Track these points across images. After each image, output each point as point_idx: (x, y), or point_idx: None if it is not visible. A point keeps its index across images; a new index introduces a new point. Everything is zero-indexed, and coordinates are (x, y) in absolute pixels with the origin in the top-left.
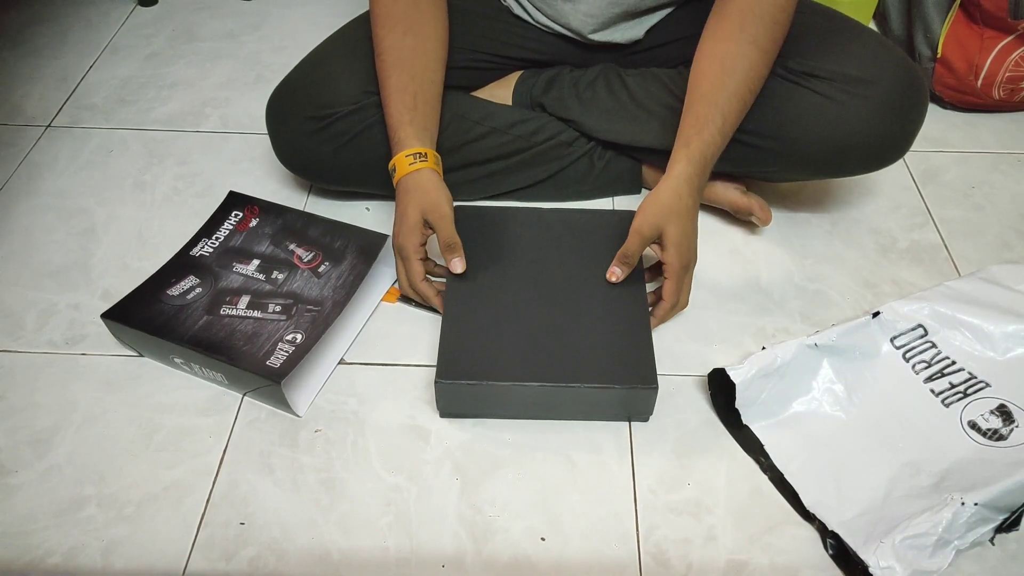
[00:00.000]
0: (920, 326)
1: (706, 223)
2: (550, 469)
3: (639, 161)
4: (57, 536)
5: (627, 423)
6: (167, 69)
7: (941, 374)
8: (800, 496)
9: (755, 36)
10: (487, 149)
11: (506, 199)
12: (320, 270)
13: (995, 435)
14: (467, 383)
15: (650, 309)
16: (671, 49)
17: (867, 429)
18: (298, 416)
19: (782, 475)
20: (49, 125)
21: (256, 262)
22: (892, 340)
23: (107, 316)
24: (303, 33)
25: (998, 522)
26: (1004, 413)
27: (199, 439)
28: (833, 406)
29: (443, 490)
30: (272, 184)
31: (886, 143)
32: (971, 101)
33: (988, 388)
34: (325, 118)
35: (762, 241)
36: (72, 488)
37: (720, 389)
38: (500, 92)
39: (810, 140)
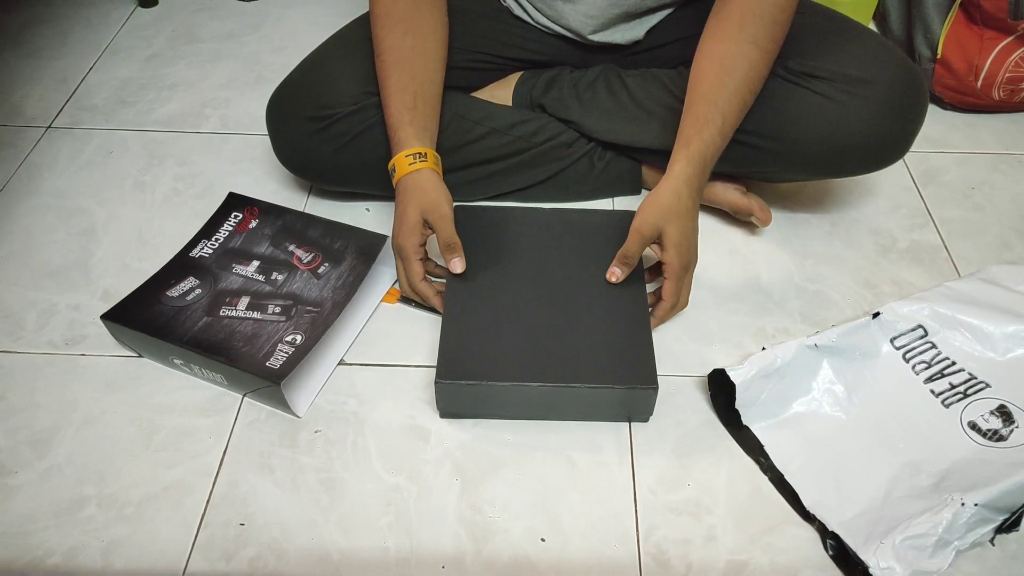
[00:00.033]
0: (920, 327)
1: (706, 223)
2: (550, 469)
3: (639, 162)
4: (57, 536)
5: (627, 423)
6: (167, 70)
7: (941, 374)
8: (800, 496)
9: (755, 36)
10: (487, 150)
11: (506, 199)
12: (320, 271)
13: (995, 435)
14: (467, 383)
15: (650, 309)
16: (671, 50)
17: (867, 429)
18: (298, 417)
19: (782, 475)
20: (49, 126)
21: (256, 263)
22: (892, 340)
23: (107, 317)
24: (303, 33)
25: (998, 522)
26: (1004, 414)
27: (199, 439)
28: (833, 406)
29: (443, 490)
30: (272, 185)
31: (886, 143)
32: (971, 102)
33: (988, 389)
34: (325, 118)
35: (762, 241)
36: (72, 488)
37: (720, 389)
38: (500, 93)
39: (810, 140)
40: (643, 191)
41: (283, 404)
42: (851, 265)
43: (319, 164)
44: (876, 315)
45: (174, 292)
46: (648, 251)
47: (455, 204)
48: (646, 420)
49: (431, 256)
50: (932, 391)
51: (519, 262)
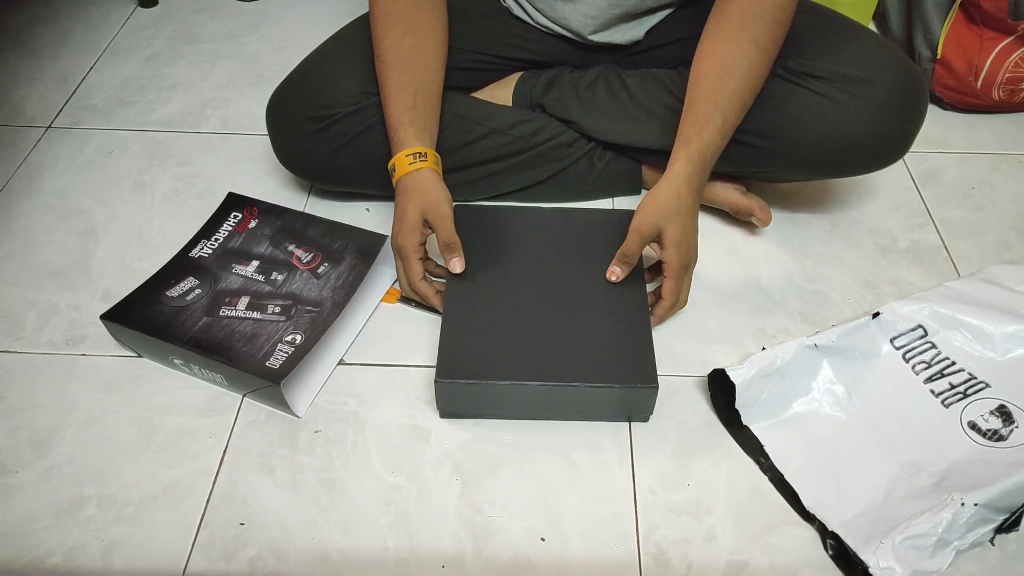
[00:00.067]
0: (920, 327)
1: (706, 223)
2: (550, 469)
3: (639, 161)
4: (57, 536)
5: (627, 423)
6: (167, 70)
7: (941, 374)
8: (800, 496)
9: (755, 36)
10: (487, 150)
11: (506, 199)
12: (319, 271)
13: (995, 435)
14: (467, 383)
15: (650, 308)
16: (671, 50)
17: (867, 429)
18: (298, 417)
19: (782, 475)
20: (49, 126)
21: (255, 263)
22: (892, 340)
23: (106, 317)
24: (303, 33)
25: (998, 522)
26: (1004, 414)
27: (199, 439)
28: (833, 406)
29: (443, 490)
30: (272, 185)
31: (886, 143)
32: (971, 102)
33: (988, 389)
34: (325, 119)
35: (762, 241)
36: (72, 488)
37: (720, 389)
38: (500, 93)
39: (810, 140)
40: (643, 191)
41: (283, 404)
42: (851, 265)
43: (319, 164)
44: (876, 315)
45: (174, 292)
46: (648, 250)
47: (455, 204)
48: (646, 420)
49: (431, 256)
50: (932, 391)
51: (519, 262)
